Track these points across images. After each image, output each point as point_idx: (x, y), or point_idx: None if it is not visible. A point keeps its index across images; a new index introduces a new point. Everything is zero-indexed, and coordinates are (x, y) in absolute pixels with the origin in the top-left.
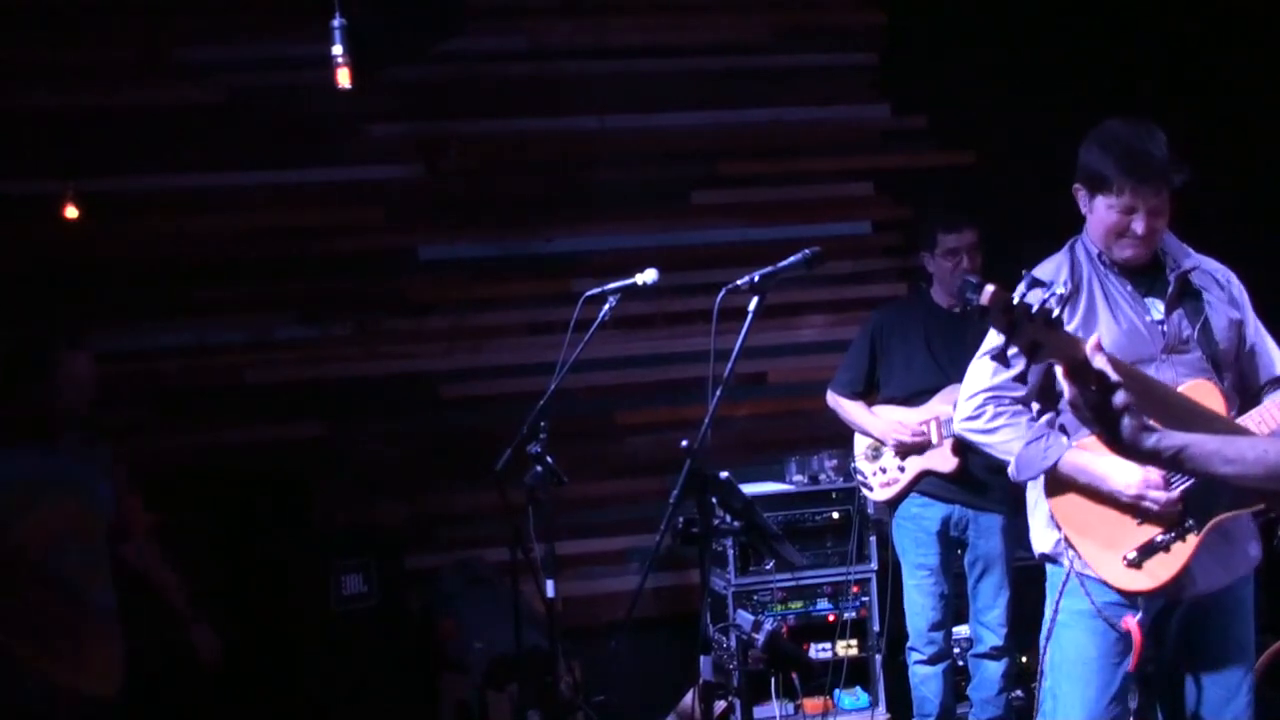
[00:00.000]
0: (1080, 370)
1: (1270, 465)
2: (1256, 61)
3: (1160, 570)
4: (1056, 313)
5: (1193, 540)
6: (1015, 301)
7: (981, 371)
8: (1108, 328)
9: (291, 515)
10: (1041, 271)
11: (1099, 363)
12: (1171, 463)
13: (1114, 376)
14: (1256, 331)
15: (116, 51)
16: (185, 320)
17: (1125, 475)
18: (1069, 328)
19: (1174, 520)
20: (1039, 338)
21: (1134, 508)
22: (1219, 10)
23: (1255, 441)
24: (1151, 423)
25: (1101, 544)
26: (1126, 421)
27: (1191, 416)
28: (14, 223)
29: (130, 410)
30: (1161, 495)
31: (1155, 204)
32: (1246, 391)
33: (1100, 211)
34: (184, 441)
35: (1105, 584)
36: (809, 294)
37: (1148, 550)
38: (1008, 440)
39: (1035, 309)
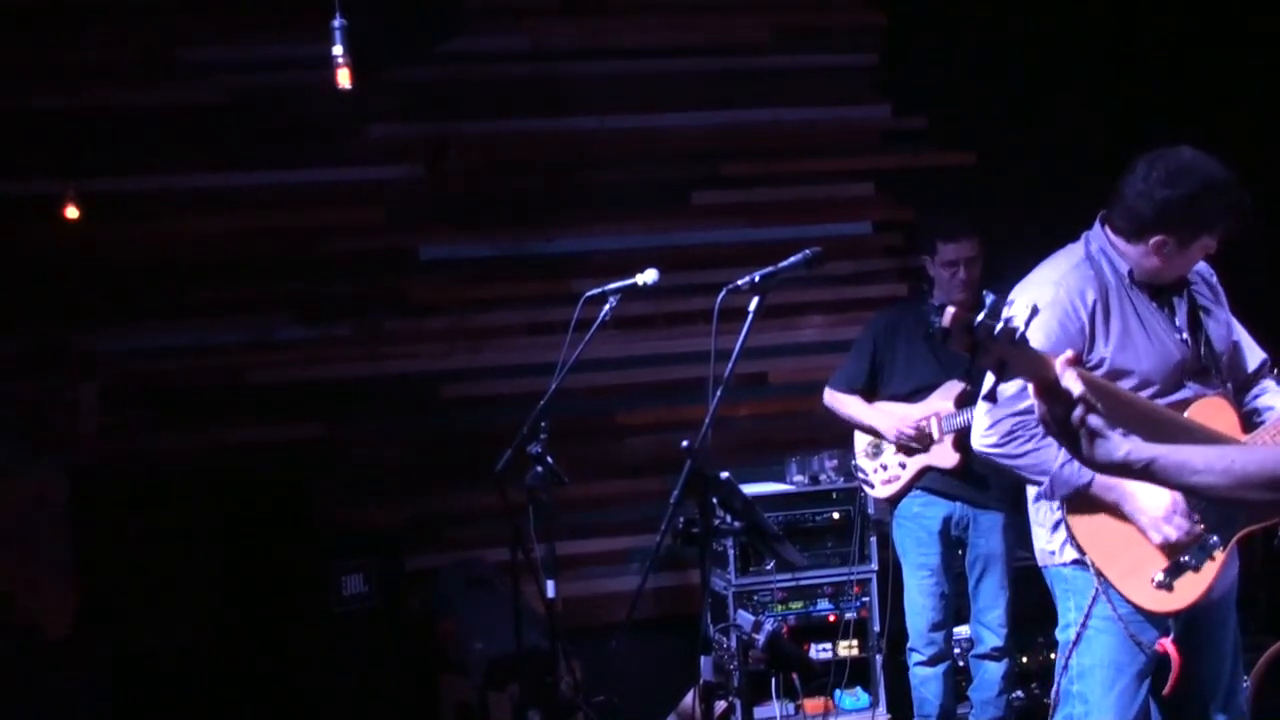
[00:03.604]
0: (1050, 388)
1: (1237, 475)
2: (1257, 61)
3: (1190, 590)
4: (1021, 331)
5: (1220, 556)
6: (975, 324)
7: (1002, 393)
8: (1144, 349)
9: (291, 515)
10: (1063, 283)
11: (1068, 380)
12: (1143, 474)
13: (1077, 393)
14: (1234, 325)
15: (116, 51)
16: (185, 320)
17: (1152, 498)
18: (1106, 350)
19: (1197, 539)
20: (1005, 356)
21: (1155, 531)
22: (1220, 9)
23: (1225, 451)
24: (1118, 436)
25: (1128, 566)
26: (1091, 436)
27: (1177, 430)
28: (14, 223)
29: (130, 410)
30: (1185, 523)
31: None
32: (1237, 386)
33: (1196, 254)
34: (184, 441)
35: (1132, 604)
36: (809, 294)
37: (1176, 570)
38: (1039, 462)
39: (998, 330)
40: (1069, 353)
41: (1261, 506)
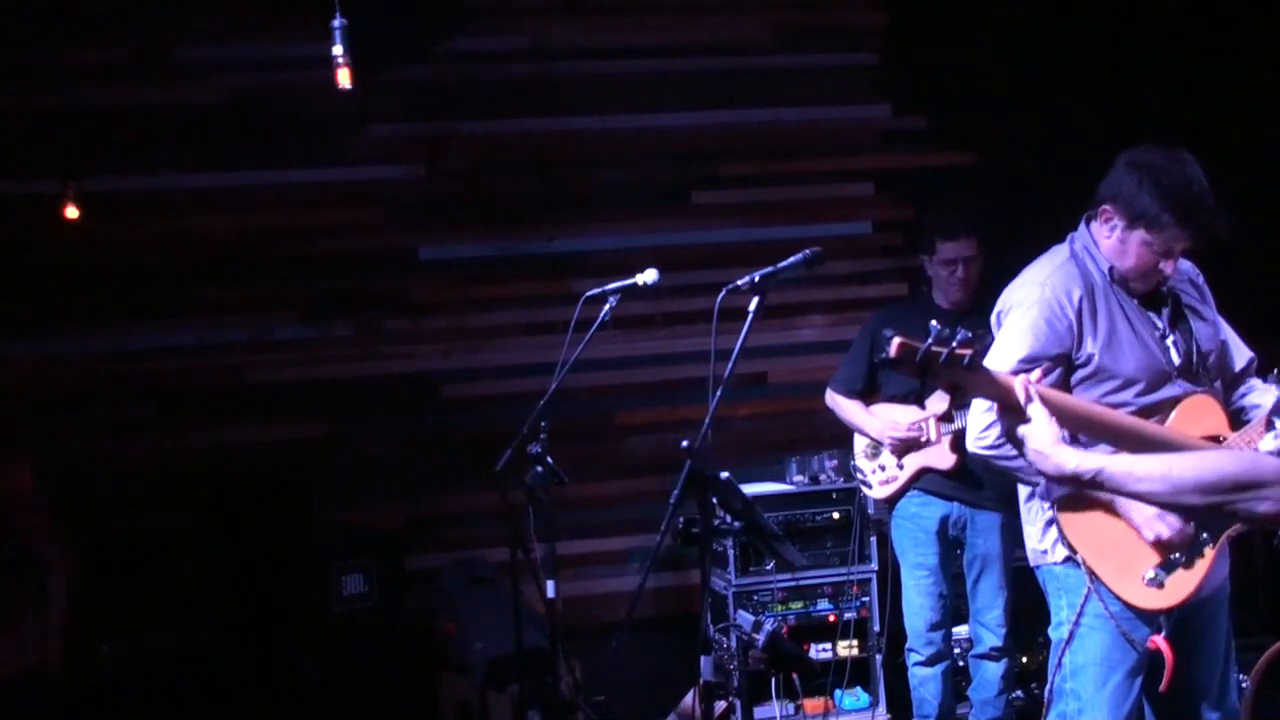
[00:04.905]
0: (1012, 407)
1: (1174, 481)
2: (1257, 62)
3: (1181, 587)
4: (968, 359)
5: (1209, 554)
6: (919, 354)
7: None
8: (1129, 348)
9: (291, 515)
10: (1049, 282)
11: (1023, 398)
12: (1091, 484)
13: (1029, 411)
14: (1221, 325)
15: (116, 51)
16: (185, 320)
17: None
18: (1094, 347)
19: (1189, 538)
20: (958, 381)
21: (1147, 528)
22: (1218, 11)
23: (1165, 458)
24: (1068, 449)
25: (1119, 564)
26: (1038, 449)
27: (1144, 439)
28: (14, 223)
29: (130, 410)
30: (1177, 521)
31: (1188, 246)
32: (1225, 384)
33: (1135, 246)
34: (184, 441)
35: (1124, 602)
36: (809, 294)
37: (1167, 568)
38: None
39: (944, 357)
40: (1036, 372)
41: (1200, 510)
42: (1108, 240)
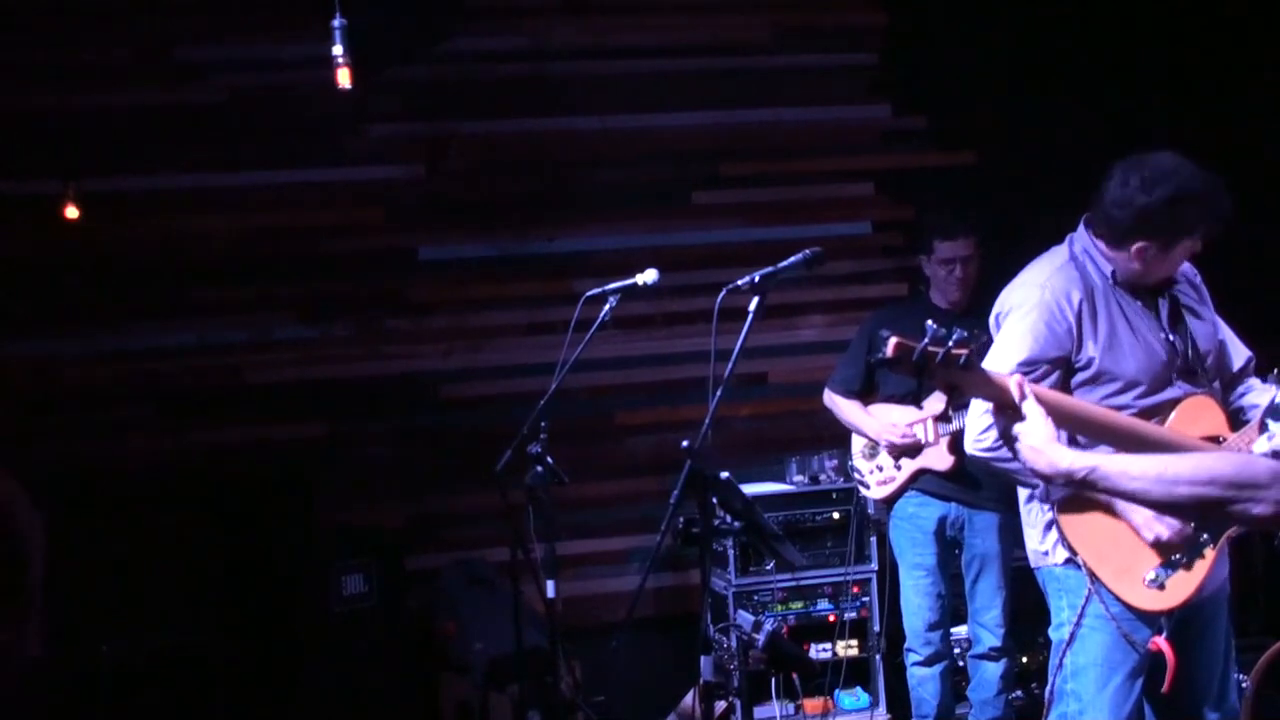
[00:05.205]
0: (1007, 406)
1: (1167, 481)
2: (1256, 61)
3: (1182, 588)
4: (964, 358)
5: (1209, 555)
6: (915, 353)
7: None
8: (1131, 350)
9: (291, 515)
10: (1049, 285)
11: (1018, 396)
12: (1084, 484)
13: (1024, 409)
14: (1220, 324)
15: (116, 51)
16: (185, 320)
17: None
18: (1094, 350)
19: (1189, 539)
20: (955, 380)
21: (1146, 529)
22: (1218, 11)
23: (1160, 458)
24: (1063, 448)
25: (1119, 566)
26: (1035, 449)
27: (1141, 439)
28: (14, 223)
29: (130, 410)
30: (1177, 522)
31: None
32: (1223, 384)
33: (1176, 256)
34: (184, 441)
35: (1125, 603)
36: (809, 294)
37: (1167, 569)
38: None
39: (940, 356)
40: (1033, 379)
41: (1194, 512)
42: (1138, 265)
